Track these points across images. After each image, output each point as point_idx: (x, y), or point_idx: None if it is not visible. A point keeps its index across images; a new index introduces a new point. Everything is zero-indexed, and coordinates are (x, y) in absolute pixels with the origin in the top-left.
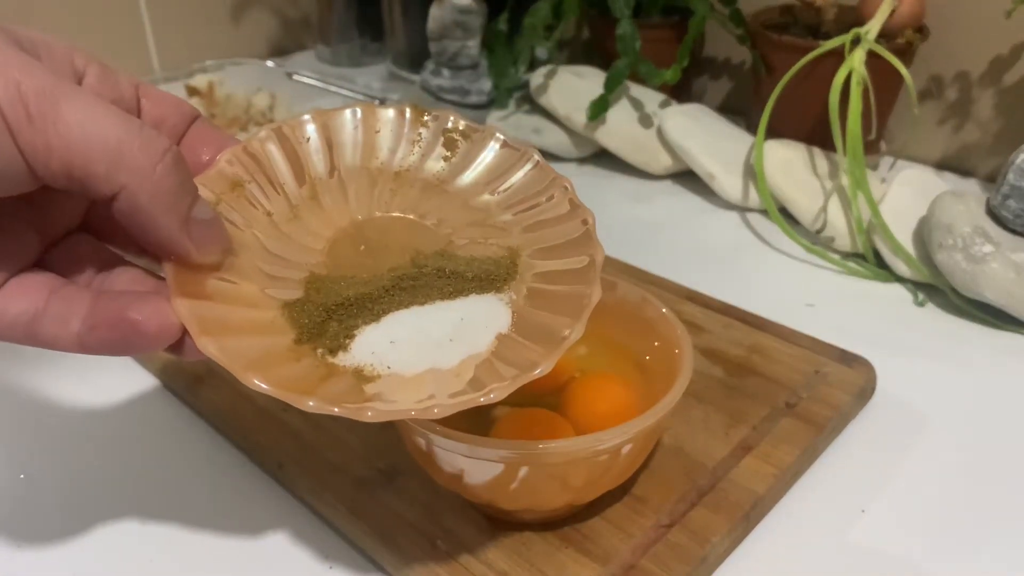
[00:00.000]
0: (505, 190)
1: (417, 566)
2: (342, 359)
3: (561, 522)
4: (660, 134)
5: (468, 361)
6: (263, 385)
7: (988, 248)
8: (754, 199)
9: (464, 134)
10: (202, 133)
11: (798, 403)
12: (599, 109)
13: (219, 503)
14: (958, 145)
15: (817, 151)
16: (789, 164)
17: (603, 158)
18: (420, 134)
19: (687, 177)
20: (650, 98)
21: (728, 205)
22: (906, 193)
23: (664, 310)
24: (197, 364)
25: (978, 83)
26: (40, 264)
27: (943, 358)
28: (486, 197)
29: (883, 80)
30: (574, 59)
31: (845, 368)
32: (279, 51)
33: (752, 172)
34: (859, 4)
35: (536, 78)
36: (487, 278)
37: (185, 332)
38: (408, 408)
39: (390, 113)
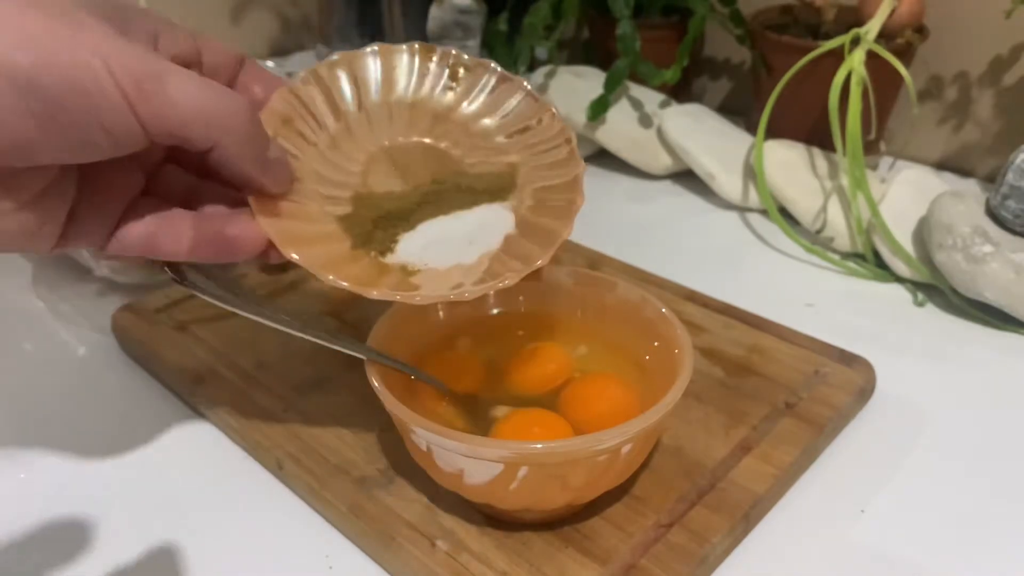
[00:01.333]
0: (503, 116)
1: (417, 566)
2: (389, 259)
3: (561, 522)
4: (660, 134)
5: (484, 257)
6: (340, 281)
7: (988, 248)
8: (754, 199)
9: (465, 66)
10: (252, 73)
11: (798, 403)
12: (599, 109)
13: (219, 502)
14: (958, 145)
15: (817, 151)
16: (789, 164)
17: (603, 158)
18: (428, 67)
19: (687, 177)
20: (650, 98)
21: (728, 205)
22: (906, 193)
23: (664, 310)
24: (198, 365)
25: (977, 83)
26: (145, 192)
27: (943, 358)
28: (486, 122)
29: (883, 80)
30: (574, 59)
31: (845, 368)
32: (279, 51)
33: (752, 172)
34: (859, 4)
35: (536, 78)
36: (495, 190)
37: (269, 243)
38: (446, 293)
39: (403, 50)
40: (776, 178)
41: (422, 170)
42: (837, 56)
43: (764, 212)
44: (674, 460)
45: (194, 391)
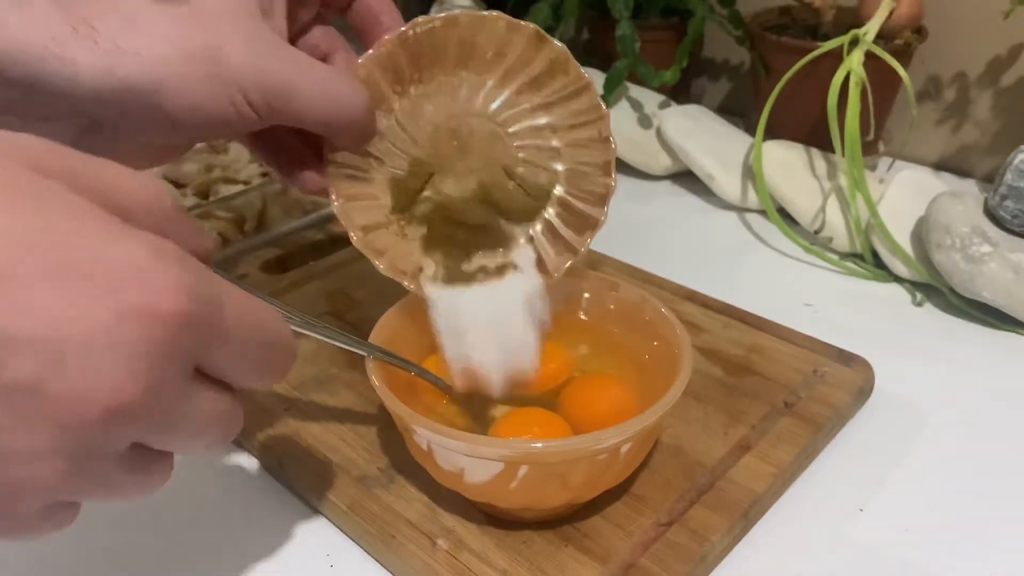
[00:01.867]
0: (561, 114)
1: (417, 564)
2: (411, 234)
3: (561, 521)
4: (659, 135)
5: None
6: (353, 237)
7: (986, 248)
8: (753, 199)
9: (565, 71)
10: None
11: (797, 402)
12: None
13: (220, 501)
14: (956, 146)
15: (816, 152)
16: (788, 165)
17: None
18: (532, 55)
19: (686, 177)
20: (649, 99)
21: (727, 205)
22: (904, 193)
23: (663, 310)
24: None
25: (976, 84)
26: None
27: (941, 358)
28: (543, 120)
29: (881, 81)
30: None
31: (843, 368)
32: None
33: (751, 173)
34: (858, 5)
35: None
36: (529, 211)
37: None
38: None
39: (521, 29)
40: (775, 178)
41: (478, 152)
42: (836, 57)
43: (763, 212)
44: (673, 459)
45: None
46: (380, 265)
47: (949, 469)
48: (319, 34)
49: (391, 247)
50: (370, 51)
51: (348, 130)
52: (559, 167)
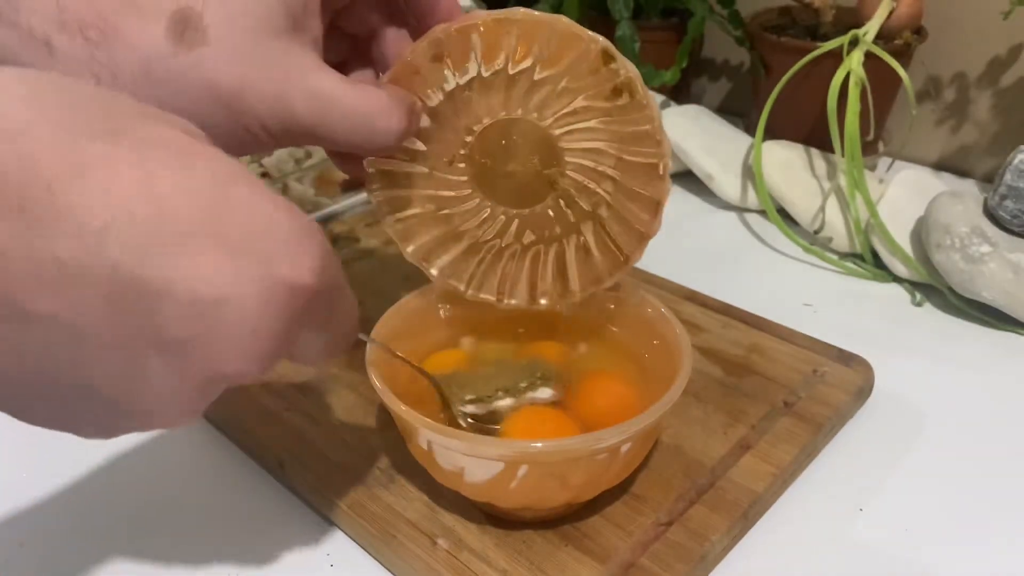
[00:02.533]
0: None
1: (417, 564)
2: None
3: (561, 520)
4: None
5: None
6: (389, 231)
7: (985, 248)
8: (753, 199)
9: (631, 92)
10: None
11: (796, 402)
12: None
13: (220, 501)
14: (956, 146)
15: (815, 152)
16: (787, 165)
17: None
18: (599, 70)
19: (686, 177)
20: None
21: (727, 205)
22: (904, 193)
23: (663, 310)
24: None
25: (976, 84)
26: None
27: (941, 358)
28: (600, 142)
29: (881, 81)
30: None
31: (843, 367)
32: None
33: (751, 173)
34: (857, 5)
35: None
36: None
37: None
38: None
39: (585, 41)
40: (775, 179)
41: (525, 156)
42: (835, 57)
43: (763, 212)
44: (673, 459)
45: None
46: (410, 250)
47: (949, 469)
48: (364, 10)
49: (423, 233)
50: (421, 41)
51: (383, 150)
52: (606, 191)
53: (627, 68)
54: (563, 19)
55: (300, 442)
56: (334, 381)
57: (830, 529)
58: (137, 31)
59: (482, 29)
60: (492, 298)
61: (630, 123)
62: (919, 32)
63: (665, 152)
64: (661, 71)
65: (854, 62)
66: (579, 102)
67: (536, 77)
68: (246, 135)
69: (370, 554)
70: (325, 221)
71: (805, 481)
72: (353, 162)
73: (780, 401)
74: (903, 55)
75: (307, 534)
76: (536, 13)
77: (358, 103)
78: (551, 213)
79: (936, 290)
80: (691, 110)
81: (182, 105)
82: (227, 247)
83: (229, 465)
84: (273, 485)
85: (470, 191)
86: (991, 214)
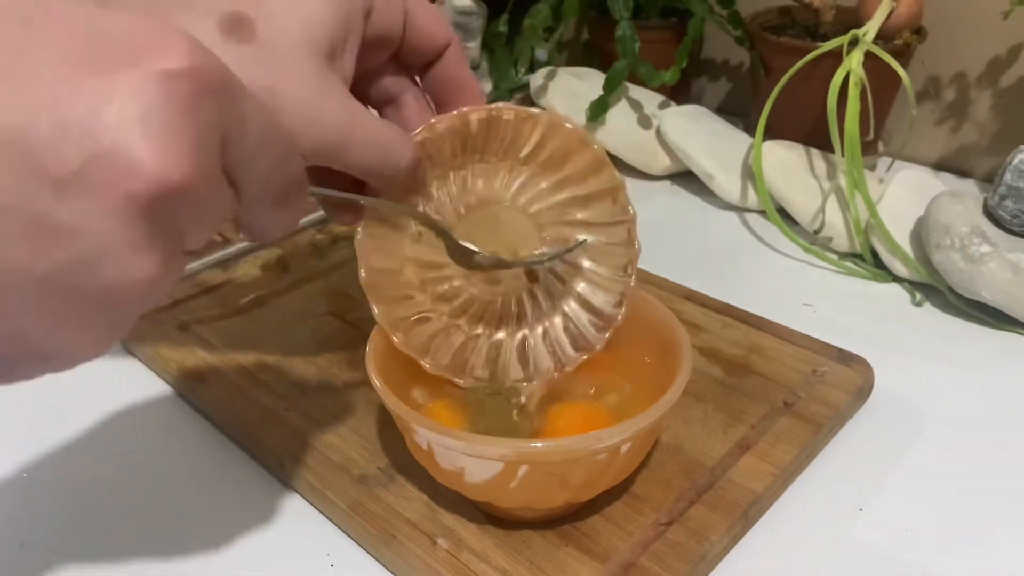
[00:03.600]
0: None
1: (417, 564)
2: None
3: (561, 520)
4: (659, 135)
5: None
6: (362, 274)
7: (985, 248)
8: (752, 199)
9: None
10: (448, 69)
11: (796, 402)
12: (599, 110)
13: (221, 501)
14: (956, 146)
15: (815, 152)
16: (787, 165)
17: None
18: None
19: (686, 178)
20: (649, 99)
21: (727, 205)
22: (904, 193)
23: (663, 310)
24: (200, 364)
25: (975, 84)
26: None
27: (941, 358)
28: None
29: (881, 81)
30: (574, 60)
31: (843, 367)
32: None
33: (751, 173)
34: (857, 5)
35: (536, 79)
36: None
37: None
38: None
39: (574, 137)
40: (775, 179)
41: (504, 244)
42: (835, 57)
43: (763, 212)
44: (673, 459)
45: (196, 390)
46: (375, 309)
47: (948, 469)
48: (390, 77)
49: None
50: (449, 115)
51: (392, 182)
52: (584, 265)
53: (616, 176)
54: (578, 128)
55: (300, 442)
56: (334, 381)
57: (830, 529)
58: (188, 22)
59: (507, 118)
60: (453, 376)
61: (610, 225)
62: (919, 32)
63: (636, 253)
64: (661, 71)
65: (854, 62)
66: (569, 201)
67: (539, 173)
68: None
69: (370, 554)
70: (325, 222)
71: (805, 481)
72: (350, 213)
73: (780, 401)
74: (903, 55)
75: (307, 534)
76: (555, 116)
77: (379, 128)
78: (523, 301)
79: (936, 290)
80: (691, 110)
81: None
82: (76, 60)
83: (229, 465)
84: (273, 485)
85: (447, 266)
86: (991, 214)
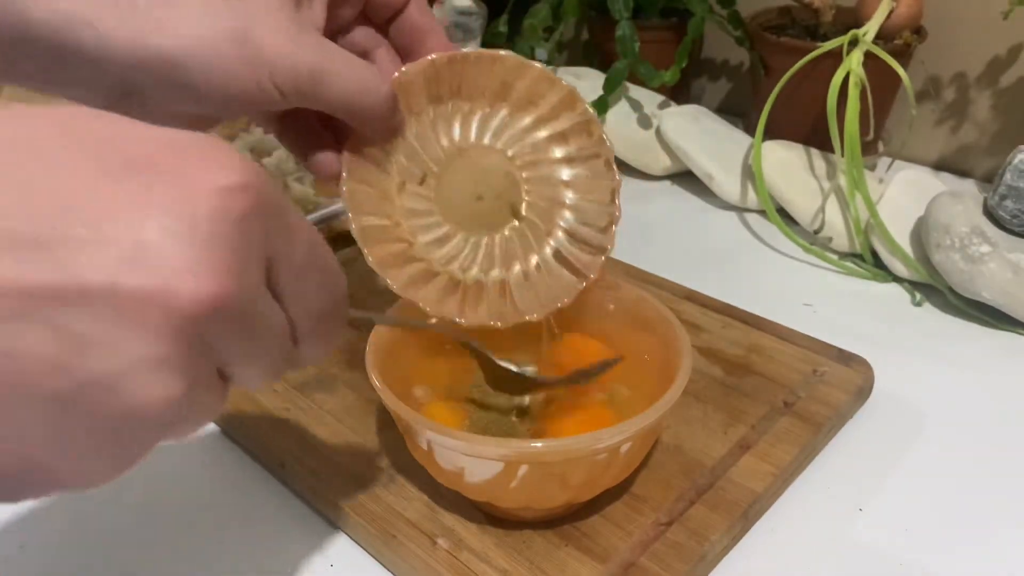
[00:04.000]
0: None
1: (417, 564)
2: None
3: (561, 520)
4: (659, 135)
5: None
6: (354, 233)
7: (985, 248)
8: (752, 199)
9: (590, 132)
10: (412, 19)
11: (796, 402)
12: (598, 110)
13: (221, 502)
14: (955, 146)
15: (815, 152)
16: (787, 165)
17: None
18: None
19: (686, 178)
20: (649, 99)
21: (727, 205)
22: (904, 193)
23: (663, 310)
24: None
25: (975, 84)
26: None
27: (940, 357)
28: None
29: (881, 81)
30: (573, 60)
31: (843, 367)
32: None
33: (750, 173)
34: (857, 5)
35: None
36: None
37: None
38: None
39: (554, 87)
40: (774, 179)
41: (488, 190)
42: (835, 57)
43: (763, 212)
44: (673, 459)
45: None
46: (370, 257)
47: (948, 469)
48: (360, 32)
49: (385, 245)
50: (419, 61)
51: (372, 117)
52: (567, 198)
53: (589, 110)
54: (544, 68)
55: (300, 442)
56: (334, 381)
57: (830, 529)
58: None
59: (474, 61)
60: (453, 316)
61: (589, 159)
62: (919, 32)
63: (618, 183)
64: (661, 71)
65: (854, 62)
66: (546, 138)
67: (513, 114)
68: (255, 88)
69: (370, 554)
70: (325, 221)
71: (805, 481)
72: (330, 149)
73: (780, 401)
74: (903, 55)
75: (307, 534)
76: (520, 57)
77: (354, 61)
78: (511, 239)
79: (936, 290)
80: (691, 110)
81: (200, 33)
82: (120, 174)
83: (230, 465)
84: (274, 485)
85: (434, 212)
86: (991, 214)
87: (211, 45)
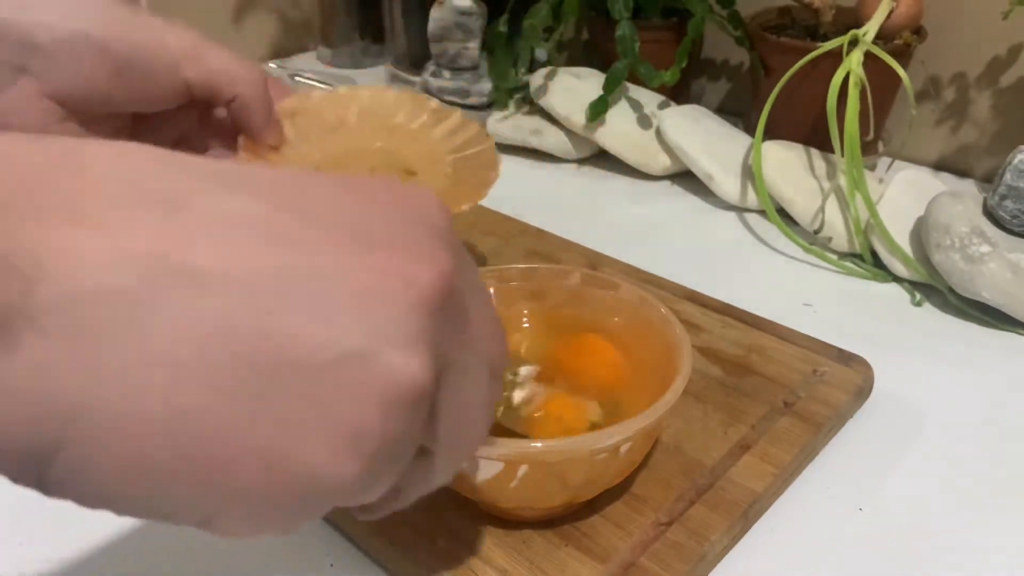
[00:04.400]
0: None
1: (418, 564)
2: None
3: (561, 520)
4: (659, 135)
5: None
6: None
7: (985, 248)
8: (752, 199)
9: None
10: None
11: (796, 402)
12: (598, 110)
13: None
14: (955, 146)
15: (815, 152)
16: (787, 165)
17: (602, 159)
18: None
19: (686, 178)
20: (649, 99)
21: (726, 205)
22: (904, 193)
23: (663, 310)
24: None
25: (975, 84)
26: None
27: (940, 358)
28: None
29: (881, 81)
30: (573, 60)
31: (843, 367)
32: (281, 53)
33: (750, 173)
34: (857, 5)
35: (536, 79)
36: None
37: None
38: None
39: (415, 103)
40: (774, 179)
41: (379, 161)
42: (835, 57)
43: (762, 212)
44: (673, 459)
45: None
46: None
47: (948, 469)
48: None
49: None
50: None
51: (250, 84)
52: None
53: (440, 103)
54: (401, 90)
55: None
56: None
57: (830, 529)
58: None
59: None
60: None
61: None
62: (919, 32)
63: (490, 137)
64: (661, 71)
65: (854, 62)
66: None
67: (383, 123)
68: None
69: (370, 554)
70: None
71: (805, 481)
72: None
73: (780, 401)
74: (903, 55)
75: (307, 534)
76: (378, 88)
77: (250, 64)
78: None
79: (936, 290)
80: (691, 110)
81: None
82: (369, 250)
83: None
84: None
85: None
86: (991, 214)
87: (62, 38)
